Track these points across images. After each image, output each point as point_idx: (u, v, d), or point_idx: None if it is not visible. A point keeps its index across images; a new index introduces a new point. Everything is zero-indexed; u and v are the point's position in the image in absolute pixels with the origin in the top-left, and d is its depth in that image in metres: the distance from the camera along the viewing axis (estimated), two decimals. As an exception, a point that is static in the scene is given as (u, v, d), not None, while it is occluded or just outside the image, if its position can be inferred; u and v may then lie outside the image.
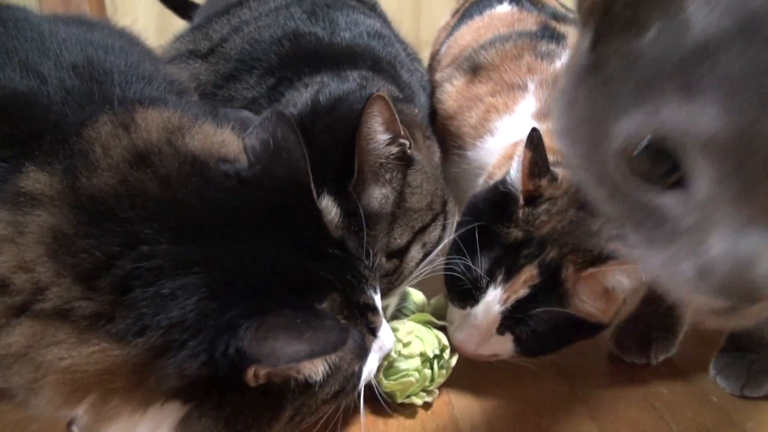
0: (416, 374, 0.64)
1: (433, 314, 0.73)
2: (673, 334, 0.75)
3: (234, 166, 0.49)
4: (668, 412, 0.66)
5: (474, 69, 0.82)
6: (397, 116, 0.63)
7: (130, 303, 0.39)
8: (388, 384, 0.65)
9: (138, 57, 0.61)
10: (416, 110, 0.77)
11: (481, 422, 0.65)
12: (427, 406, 0.68)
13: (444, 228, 0.72)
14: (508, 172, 0.64)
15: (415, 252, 0.68)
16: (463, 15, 1.03)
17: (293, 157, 0.50)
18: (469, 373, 0.71)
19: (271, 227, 0.47)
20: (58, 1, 1.64)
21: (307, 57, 0.77)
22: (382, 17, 0.97)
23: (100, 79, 0.53)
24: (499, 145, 0.74)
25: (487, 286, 0.60)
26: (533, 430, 0.64)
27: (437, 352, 0.67)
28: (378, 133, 0.63)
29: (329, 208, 0.54)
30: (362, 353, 0.51)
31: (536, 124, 0.69)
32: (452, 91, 0.83)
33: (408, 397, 0.66)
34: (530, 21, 0.87)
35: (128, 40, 0.67)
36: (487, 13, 0.94)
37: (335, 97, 0.70)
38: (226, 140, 0.53)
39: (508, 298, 0.60)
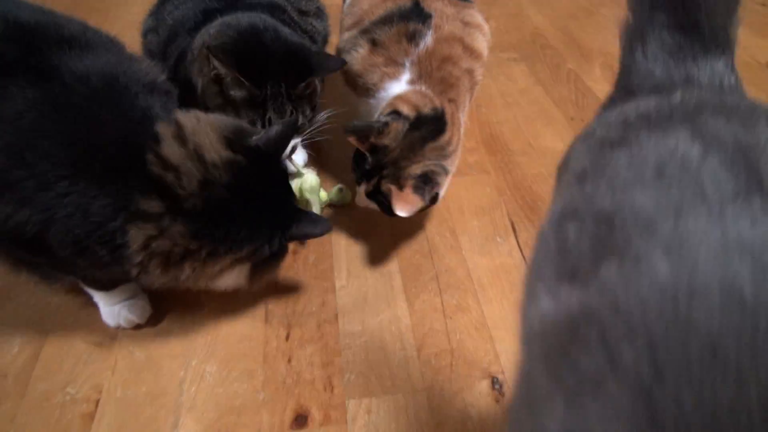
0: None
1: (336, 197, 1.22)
2: None
3: (241, 152, 0.86)
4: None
5: (373, 42, 1.14)
6: None
7: (231, 245, 0.85)
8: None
9: (132, 64, 0.89)
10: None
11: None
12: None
13: None
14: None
15: None
16: None
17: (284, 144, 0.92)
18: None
19: (267, 185, 0.89)
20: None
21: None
22: None
23: (130, 98, 0.84)
24: (388, 97, 1.11)
25: (361, 181, 1.06)
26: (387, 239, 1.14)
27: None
28: None
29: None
30: None
31: (409, 87, 1.10)
32: (359, 57, 1.14)
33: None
34: None
35: (113, 44, 0.94)
36: None
37: None
38: (217, 130, 0.88)
39: (366, 189, 1.06)
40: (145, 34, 1.18)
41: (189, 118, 0.88)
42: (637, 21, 0.60)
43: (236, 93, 1.02)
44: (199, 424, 0.86)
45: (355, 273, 1.10)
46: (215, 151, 0.85)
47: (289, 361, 0.94)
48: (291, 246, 1.13)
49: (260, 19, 1.06)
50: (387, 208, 1.04)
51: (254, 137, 0.89)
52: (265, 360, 0.95)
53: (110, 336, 0.99)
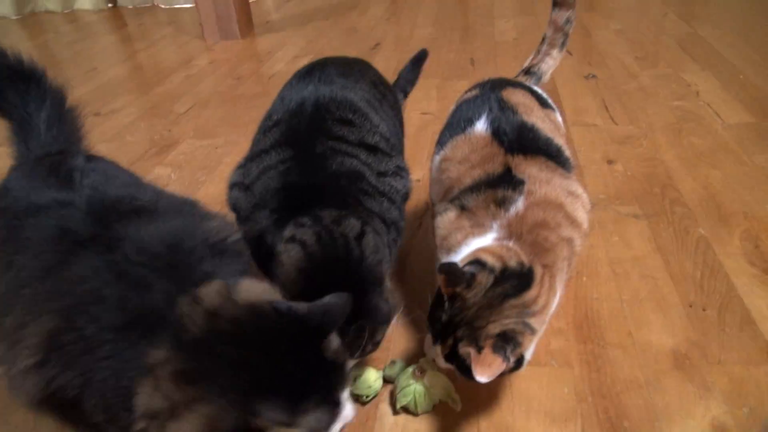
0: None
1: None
2: None
3: (287, 305, 0.80)
4: None
5: (462, 207, 1.08)
6: None
7: None
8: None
9: (202, 224, 0.92)
10: None
11: None
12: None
13: None
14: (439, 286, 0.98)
15: None
16: (451, 122, 1.25)
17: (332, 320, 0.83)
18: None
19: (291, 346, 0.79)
20: None
21: (297, 204, 1.08)
22: (365, 146, 1.19)
23: (192, 263, 0.86)
24: (469, 251, 1.04)
25: (437, 340, 0.99)
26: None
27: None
28: None
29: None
30: None
31: (495, 243, 1.02)
32: (446, 221, 1.10)
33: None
34: (498, 160, 1.10)
35: (187, 205, 0.99)
36: (469, 132, 1.17)
37: None
38: (265, 289, 0.85)
39: (443, 351, 0.98)
40: (231, 187, 1.22)
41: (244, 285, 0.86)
42: None
43: None
44: None
45: (388, 477, 0.99)
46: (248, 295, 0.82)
47: None
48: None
49: (333, 248, 1.02)
50: (466, 372, 0.94)
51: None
52: None
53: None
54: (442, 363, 1.01)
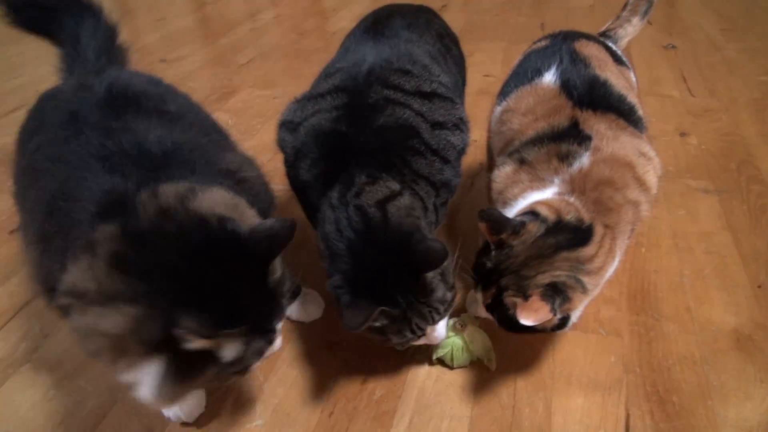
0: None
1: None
2: None
3: (232, 224, 0.76)
4: None
5: (521, 161, 1.02)
6: None
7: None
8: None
9: (218, 154, 0.91)
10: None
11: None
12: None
13: None
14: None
15: None
16: (518, 72, 1.17)
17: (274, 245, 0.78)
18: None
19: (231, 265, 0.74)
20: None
21: (339, 156, 1.02)
22: (420, 94, 1.11)
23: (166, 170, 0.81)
24: (527, 204, 0.98)
25: (479, 286, 0.96)
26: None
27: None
28: None
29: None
30: None
31: (555, 197, 0.96)
32: (504, 175, 1.04)
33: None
34: (564, 113, 1.02)
35: (220, 134, 0.99)
36: (536, 82, 1.09)
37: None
38: (227, 204, 0.80)
39: (485, 299, 0.94)
40: (281, 125, 1.19)
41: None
42: None
43: (381, 322, 0.93)
44: None
45: (418, 426, 0.97)
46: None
47: None
48: (360, 375, 1.05)
49: (365, 222, 0.95)
50: (507, 323, 0.91)
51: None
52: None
53: (162, 423, 1.00)
54: (482, 312, 0.97)
